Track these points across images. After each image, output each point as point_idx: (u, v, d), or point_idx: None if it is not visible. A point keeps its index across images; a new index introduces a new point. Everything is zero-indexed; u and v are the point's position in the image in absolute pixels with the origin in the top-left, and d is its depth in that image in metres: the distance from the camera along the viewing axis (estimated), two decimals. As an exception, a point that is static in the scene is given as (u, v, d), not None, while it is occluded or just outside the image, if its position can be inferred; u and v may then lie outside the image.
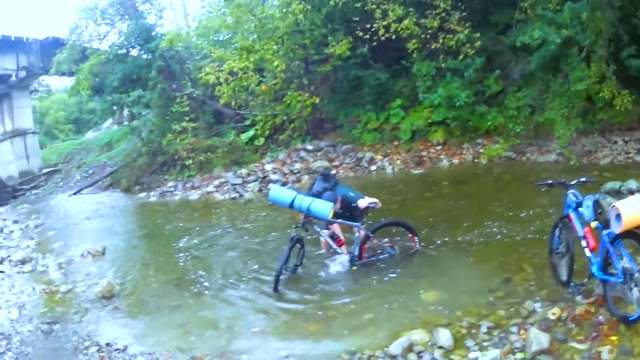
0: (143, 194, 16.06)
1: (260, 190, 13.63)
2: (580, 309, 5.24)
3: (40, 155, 28.22)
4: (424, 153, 13.97)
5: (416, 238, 7.66)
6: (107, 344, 6.13)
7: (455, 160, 13.46)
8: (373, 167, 14.00)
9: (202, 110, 18.22)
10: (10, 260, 10.23)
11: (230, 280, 7.79)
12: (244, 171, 14.71)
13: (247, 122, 17.38)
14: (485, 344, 5.14)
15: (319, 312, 6.41)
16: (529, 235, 7.94)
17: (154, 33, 19.06)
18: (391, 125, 14.77)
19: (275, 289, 7.01)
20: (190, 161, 15.77)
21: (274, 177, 14.08)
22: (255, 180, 14.11)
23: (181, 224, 11.74)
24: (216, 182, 14.63)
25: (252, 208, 12.13)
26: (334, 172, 8.73)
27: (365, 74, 14.89)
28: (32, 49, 25.18)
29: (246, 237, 10.00)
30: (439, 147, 14.00)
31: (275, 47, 14.42)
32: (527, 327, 5.19)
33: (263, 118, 15.95)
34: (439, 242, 8.18)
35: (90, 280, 8.49)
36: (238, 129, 17.69)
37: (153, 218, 13.15)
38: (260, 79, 15.34)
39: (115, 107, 19.43)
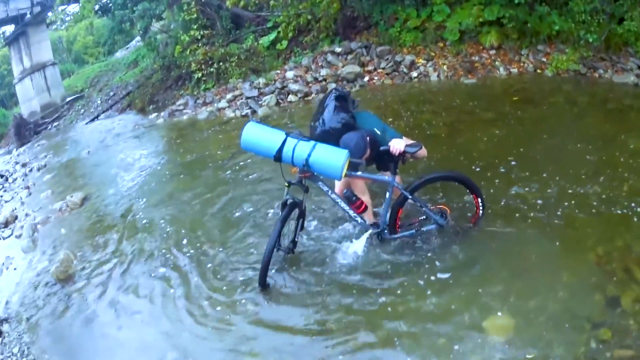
0: (154, 115, 14.49)
1: (277, 104, 11.66)
2: None
3: (66, 84, 27.40)
4: (476, 58, 11.41)
5: (479, 200, 5.05)
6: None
7: (514, 69, 10.91)
8: (414, 74, 11.59)
9: (219, 15, 16.01)
10: (-5, 222, 9.15)
11: (203, 265, 5.63)
12: (261, 81, 12.62)
13: (269, 25, 15.23)
14: None
15: (317, 336, 4.30)
16: (633, 205, 5.35)
17: None
18: (435, 24, 12.25)
19: (263, 283, 4.84)
20: (200, 74, 13.87)
21: (294, 87, 11.97)
22: (272, 92, 12.02)
23: (179, 159, 9.86)
24: (229, 96, 12.65)
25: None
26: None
27: (403, -37, 12.32)
28: (44, -18, 23.98)
29: (242, 179, 7.72)
30: (492, 52, 11.43)
31: None
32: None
33: (285, 19, 13.92)
34: (507, 201, 5.69)
35: (53, 251, 7.04)
36: (259, 33, 15.52)
37: (151, 148, 11.36)
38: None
39: (123, 25, 17.30)
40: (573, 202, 5.56)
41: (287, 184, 4.77)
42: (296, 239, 5.12)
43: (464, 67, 11.24)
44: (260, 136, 4.67)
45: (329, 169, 4.52)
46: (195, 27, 15.30)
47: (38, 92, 25.44)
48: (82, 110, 22.34)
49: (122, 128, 14.71)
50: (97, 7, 18.11)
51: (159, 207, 7.46)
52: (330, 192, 4.89)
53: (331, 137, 4.67)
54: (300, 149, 4.54)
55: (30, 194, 10.63)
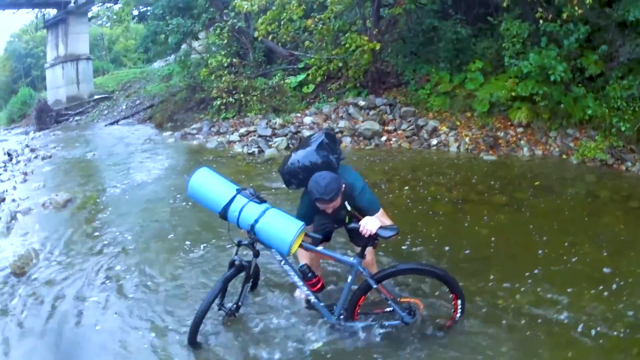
0: (168, 133, 14.42)
1: (287, 148, 11.30)
2: None
3: (98, 81, 27.82)
4: (501, 134, 10.94)
5: (459, 302, 4.26)
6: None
7: (538, 151, 10.41)
8: (434, 141, 11.20)
9: (253, 46, 15.93)
10: (-20, 202, 9.15)
11: (146, 298, 5.23)
12: (278, 121, 12.39)
13: (300, 66, 15.06)
14: None
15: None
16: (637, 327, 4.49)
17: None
18: (466, 92, 11.85)
19: (192, 341, 4.19)
20: (219, 102, 13.73)
21: (307, 134, 11.62)
22: (285, 135, 11.75)
23: (170, 182, 9.64)
24: (242, 130, 12.42)
25: (262, 171, 9.74)
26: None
27: (443, 26, 12.12)
28: (92, -25, 24.49)
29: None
30: (520, 130, 10.94)
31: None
32: None
33: (317, 62, 13.61)
34: (487, 305, 4.85)
35: (21, 243, 6.91)
36: (288, 71, 15.35)
37: (151, 165, 11.13)
38: (314, 14, 12.90)
39: (157, 36, 17.40)
40: (568, 317, 4.74)
41: (237, 244, 4.14)
42: (240, 303, 4.48)
43: (487, 142, 10.78)
44: (209, 186, 4.05)
45: (276, 242, 3.88)
46: (223, 53, 15.23)
47: (67, 83, 25.63)
48: (106, 112, 22.57)
49: (135, 139, 14.73)
50: (135, 12, 18.27)
51: (131, 228, 7.23)
52: (283, 262, 4.14)
53: (304, 175, 4.07)
54: (248, 211, 3.90)
55: (25, 181, 10.60)
